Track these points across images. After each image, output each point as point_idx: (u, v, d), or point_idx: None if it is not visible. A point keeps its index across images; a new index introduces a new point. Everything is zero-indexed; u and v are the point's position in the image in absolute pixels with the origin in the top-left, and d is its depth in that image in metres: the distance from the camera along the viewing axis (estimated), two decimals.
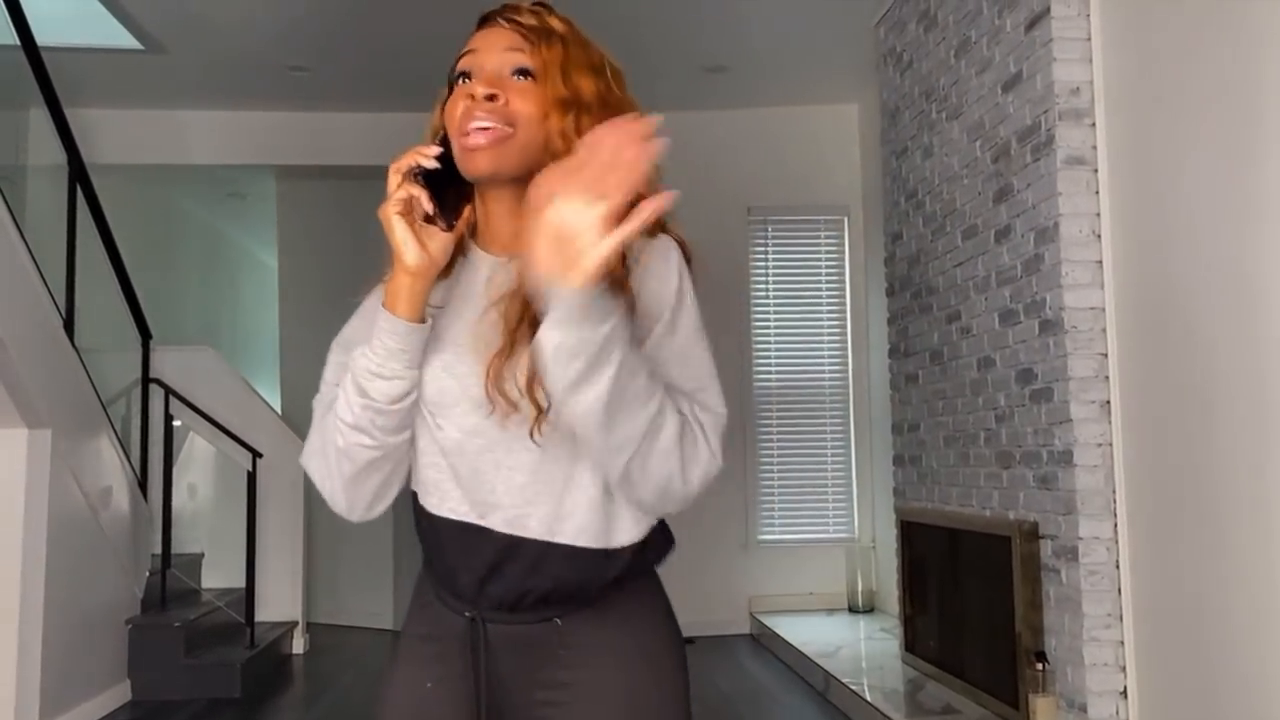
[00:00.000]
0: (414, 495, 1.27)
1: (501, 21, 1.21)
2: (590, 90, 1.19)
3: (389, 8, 4.84)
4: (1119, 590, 3.23)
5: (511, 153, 1.16)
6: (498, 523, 1.19)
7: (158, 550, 5.33)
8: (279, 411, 6.54)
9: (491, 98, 1.15)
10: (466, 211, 1.20)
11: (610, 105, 1.19)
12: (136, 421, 5.53)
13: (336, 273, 7.19)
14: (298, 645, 6.02)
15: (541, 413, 1.12)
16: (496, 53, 1.18)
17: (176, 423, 5.64)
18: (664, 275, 1.18)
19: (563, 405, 1.06)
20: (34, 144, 4.73)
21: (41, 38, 4.35)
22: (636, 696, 1.23)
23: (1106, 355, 3.28)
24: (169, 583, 5.25)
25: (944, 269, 4.24)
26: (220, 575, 5.82)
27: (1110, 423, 3.26)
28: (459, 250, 1.22)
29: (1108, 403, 3.27)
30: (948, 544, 4.20)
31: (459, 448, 1.19)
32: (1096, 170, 3.32)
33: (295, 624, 5.97)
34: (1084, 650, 3.22)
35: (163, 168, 6.44)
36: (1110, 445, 3.26)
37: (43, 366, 4.05)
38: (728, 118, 6.15)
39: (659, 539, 1.26)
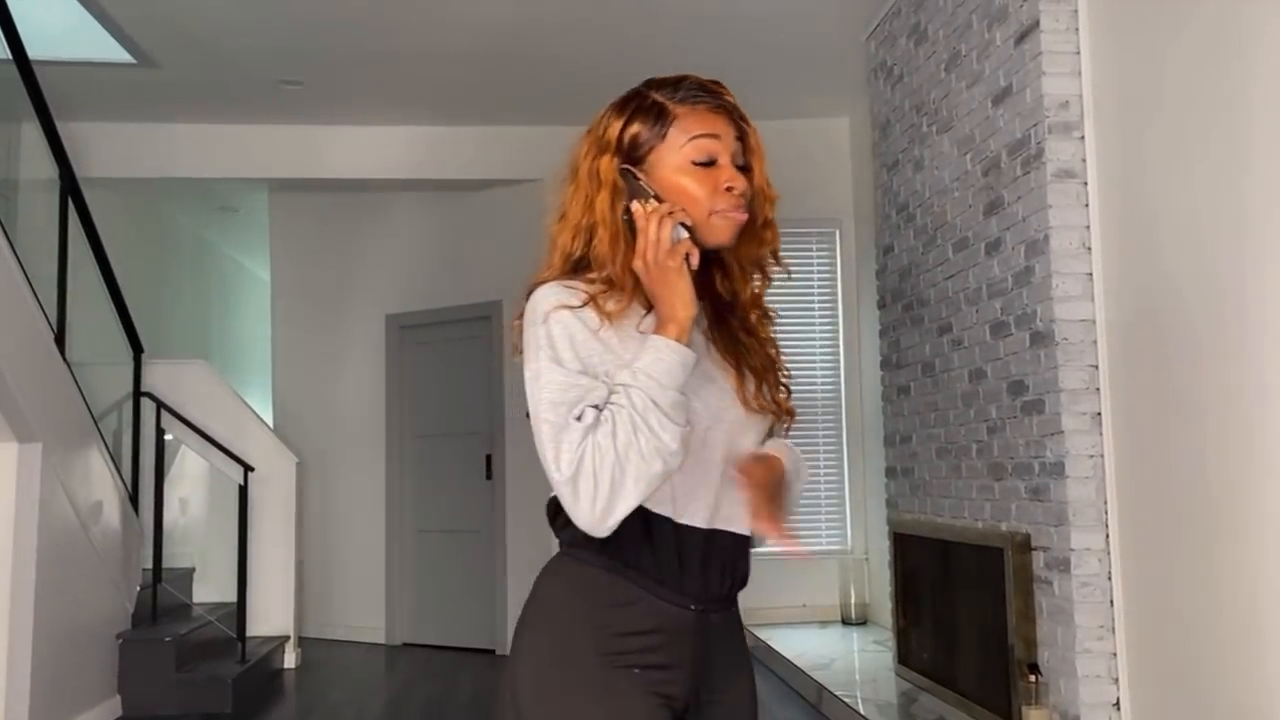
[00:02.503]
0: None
1: (724, 107, 1.43)
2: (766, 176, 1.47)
3: (380, 21, 4.85)
4: (1111, 602, 3.23)
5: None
6: (723, 523, 1.40)
7: (149, 564, 5.30)
8: (271, 425, 6.53)
9: (743, 191, 1.41)
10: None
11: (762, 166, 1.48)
12: (128, 435, 5.52)
13: (329, 286, 7.22)
14: (289, 660, 5.99)
15: (791, 416, 1.53)
16: (731, 142, 1.41)
17: (168, 436, 5.62)
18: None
19: None
20: (26, 158, 4.72)
21: (34, 52, 4.36)
22: (751, 685, 1.52)
23: (1097, 367, 3.29)
24: (160, 597, 5.23)
25: (935, 281, 4.25)
26: (211, 590, 5.80)
27: (1101, 434, 3.27)
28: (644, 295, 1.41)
29: (1099, 414, 3.28)
30: (940, 556, 4.20)
31: (709, 459, 1.39)
32: (1086, 183, 3.34)
33: (287, 638, 5.95)
34: (1076, 662, 3.23)
35: (155, 181, 6.44)
36: (1101, 457, 3.27)
37: (34, 380, 4.04)
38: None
39: None
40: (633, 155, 1.42)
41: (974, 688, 3.85)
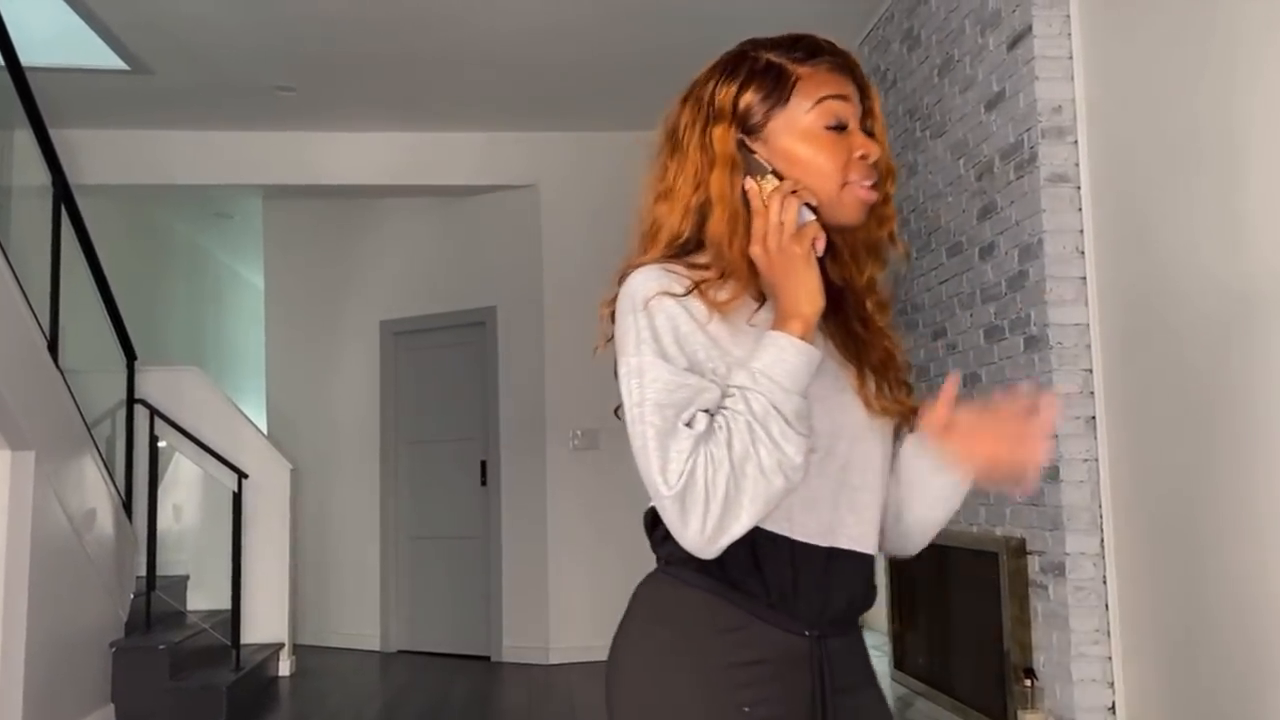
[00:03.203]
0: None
1: (848, 65, 1.27)
2: None
3: (374, 27, 4.85)
4: (1106, 606, 3.23)
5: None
6: (844, 540, 1.25)
7: (142, 572, 5.28)
8: (265, 432, 6.51)
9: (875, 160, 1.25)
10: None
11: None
12: (121, 442, 5.50)
13: (323, 292, 7.21)
14: (284, 667, 5.97)
15: (915, 414, 1.32)
16: (857, 106, 1.26)
17: (161, 443, 5.61)
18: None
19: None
20: (19, 165, 4.71)
21: (26, 58, 4.34)
22: (883, 701, 1.38)
23: (1091, 371, 3.30)
24: (154, 605, 5.20)
25: (929, 286, 4.25)
26: (206, 597, 5.78)
27: (1096, 438, 3.27)
28: (758, 285, 1.24)
29: (1093, 418, 3.28)
30: (936, 560, 4.20)
31: (820, 470, 1.22)
32: (1079, 187, 3.34)
33: (282, 646, 5.93)
34: (1072, 666, 3.22)
35: (149, 188, 6.43)
36: (1096, 461, 3.27)
37: (26, 387, 4.03)
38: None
39: None
40: (747, 124, 1.25)
41: (970, 692, 3.85)
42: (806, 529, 1.22)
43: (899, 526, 1.37)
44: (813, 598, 1.23)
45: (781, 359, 1.15)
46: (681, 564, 1.22)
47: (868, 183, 1.24)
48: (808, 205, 1.19)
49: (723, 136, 1.24)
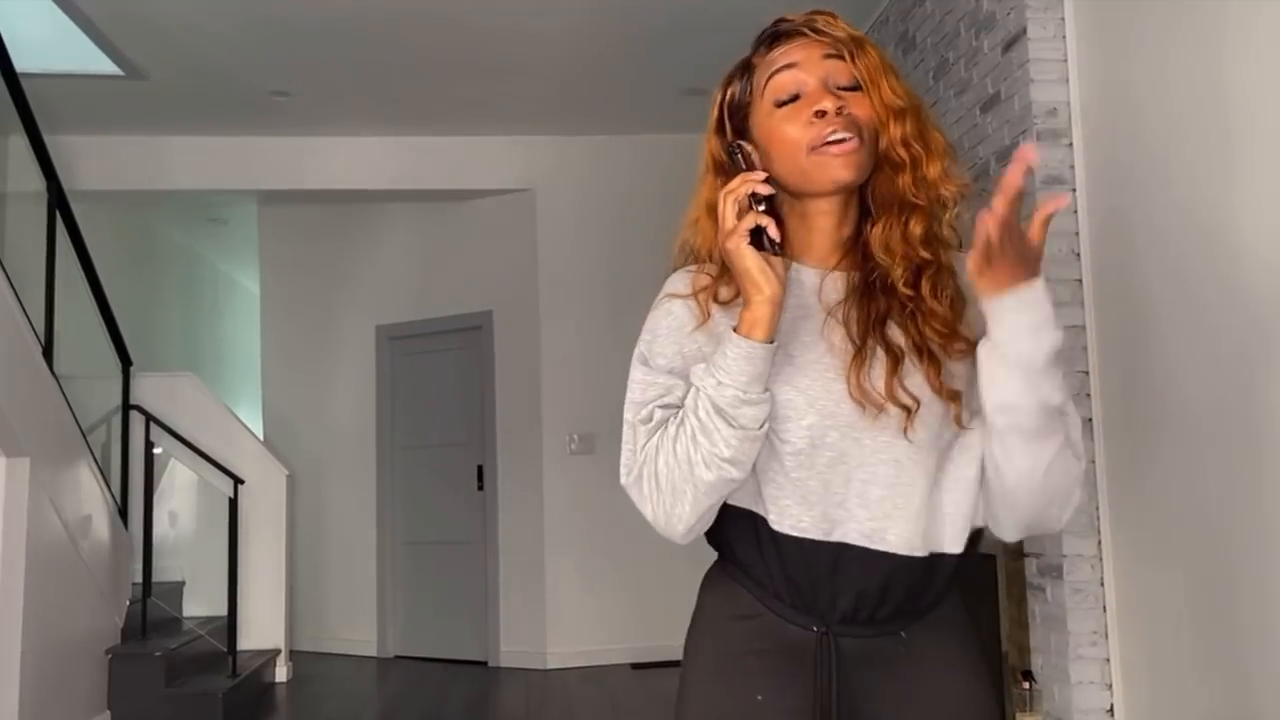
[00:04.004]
0: (739, 514, 1.27)
1: (808, 33, 1.23)
2: (904, 94, 1.22)
3: (369, 33, 4.85)
4: (1104, 608, 3.23)
5: (864, 161, 1.21)
6: (852, 536, 1.21)
7: (138, 578, 5.28)
8: (261, 437, 6.50)
9: (840, 110, 1.19)
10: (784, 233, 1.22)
11: (918, 103, 1.24)
12: (117, 449, 5.49)
13: (319, 297, 7.21)
14: (281, 674, 5.96)
15: (910, 413, 1.19)
16: (819, 65, 1.21)
17: (157, 449, 5.60)
18: None
19: (1042, 389, 1.15)
20: (13, 171, 4.71)
21: (21, 64, 4.34)
22: (977, 708, 1.28)
23: (1088, 373, 3.30)
24: (150, 611, 5.19)
25: None
26: (202, 603, 5.77)
27: (1092, 440, 3.27)
28: None
29: (1089, 420, 3.28)
30: None
31: (807, 462, 1.21)
32: (1075, 190, 3.35)
33: (278, 652, 5.92)
34: (1070, 669, 3.22)
35: (143, 194, 6.42)
36: (1092, 462, 3.27)
37: (21, 394, 4.02)
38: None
39: (971, 549, 1.30)
40: (738, 126, 1.28)
41: None
42: (799, 523, 1.22)
43: (1003, 490, 1.22)
44: (817, 593, 1.22)
45: (723, 354, 1.17)
46: (718, 552, 1.31)
47: (832, 138, 1.18)
48: (757, 195, 1.17)
49: (712, 144, 1.29)
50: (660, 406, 1.24)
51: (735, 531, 1.26)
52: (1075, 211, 3.35)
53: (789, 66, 1.22)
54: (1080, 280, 3.32)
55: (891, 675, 1.24)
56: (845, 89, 1.21)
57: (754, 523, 1.24)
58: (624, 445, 1.26)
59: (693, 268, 1.29)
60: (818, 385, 1.21)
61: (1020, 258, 1.13)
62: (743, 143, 1.25)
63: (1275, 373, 2.50)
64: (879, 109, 1.21)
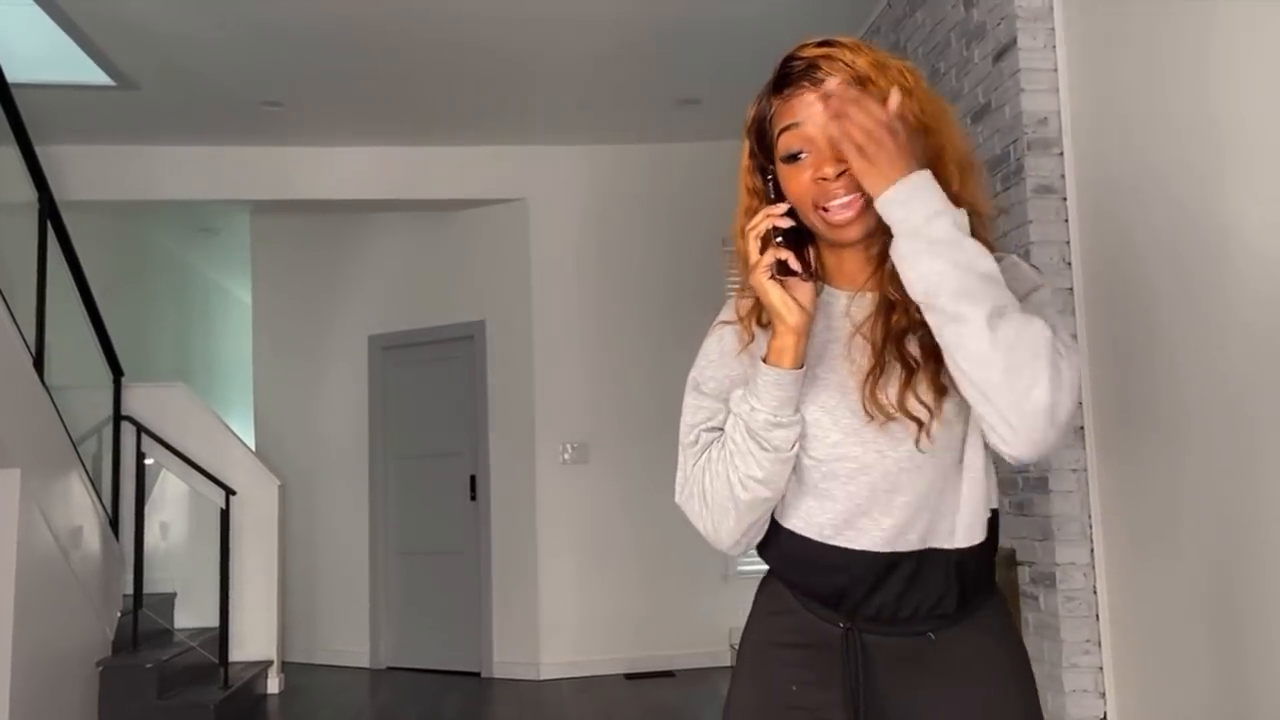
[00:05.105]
0: (774, 522, 1.35)
1: (809, 85, 1.24)
2: (920, 112, 1.26)
3: (361, 43, 4.85)
4: (1096, 616, 3.24)
5: (872, 213, 1.21)
6: (875, 542, 1.27)
7: (129, 590, 5.25)
8: (252, 448, 6.48)
9: (841, 173, 1.21)
10: (813, 257, 1.27)
11: (926, 112, 1.27)
12: (108, 459, 5.47)
13: (311, 308, 7.20)
14: (273, 685, 5.93)
15: (921, 425, 1.23)
16: (817, 120, 1.22)
17: (148, 460, 5.58)
18: (1019, 276, 1.30)
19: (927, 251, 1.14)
20: (4, 181, 4.70)
21: (12, 74, 4.34)
22: (1008, 710, 1.32)
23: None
24: (141, 623, 5.17)
25: None
26: (193, 615, 5.74)
27: (1084, 448, 3.28)
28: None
29: (1081, 428, 3.29)
30: None
31: (832, 474, 1.28)
32: (1065, 198, 3.36)
33: (270, 663, 5.89)
34: (1063, 677, 3.22)
35: (135, 204, 6.41)
36: (1084, 470, 3.27)
37: (12, 405, 4.00)
38: (701, 150, 6.19)
39: (996, 548, 1.34)
40: (766, 152, 1.30)
41: None
42: (823, 529, 1.30)
43: (971, 383, 1.15)
44: (842, 595, 1.29)
45: (755, 380, 1.25)
46: (760, 556, 1.39)
47: (831, 203, 1.23)
48: (778, 228, 1.23)
49: (744, 175, 1.33)
50: (706, 430, 1.33)
51: (771, 537, 1.35)
52: (1066, 220, 3.36)
53: (792, 127, 1.25)
54: (1071, 289, 3.34)
55: (921, 676, 1.29)
56: None
57: (784, 530, 1.33)
58: (678, 466, 1.36)
59: (739, 291, 1.36)
60: (842, 404, 1.27)
61: (900, 152, 1.15)
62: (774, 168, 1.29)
63: (1267, 380, 2.51)
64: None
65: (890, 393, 1.24)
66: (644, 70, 5.27)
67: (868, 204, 1.20)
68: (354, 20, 4.62)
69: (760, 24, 4.73)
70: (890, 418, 1.24)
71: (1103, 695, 3.22)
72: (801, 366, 1.23)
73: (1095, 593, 3.24)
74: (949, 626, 1.30)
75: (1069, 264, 3.34)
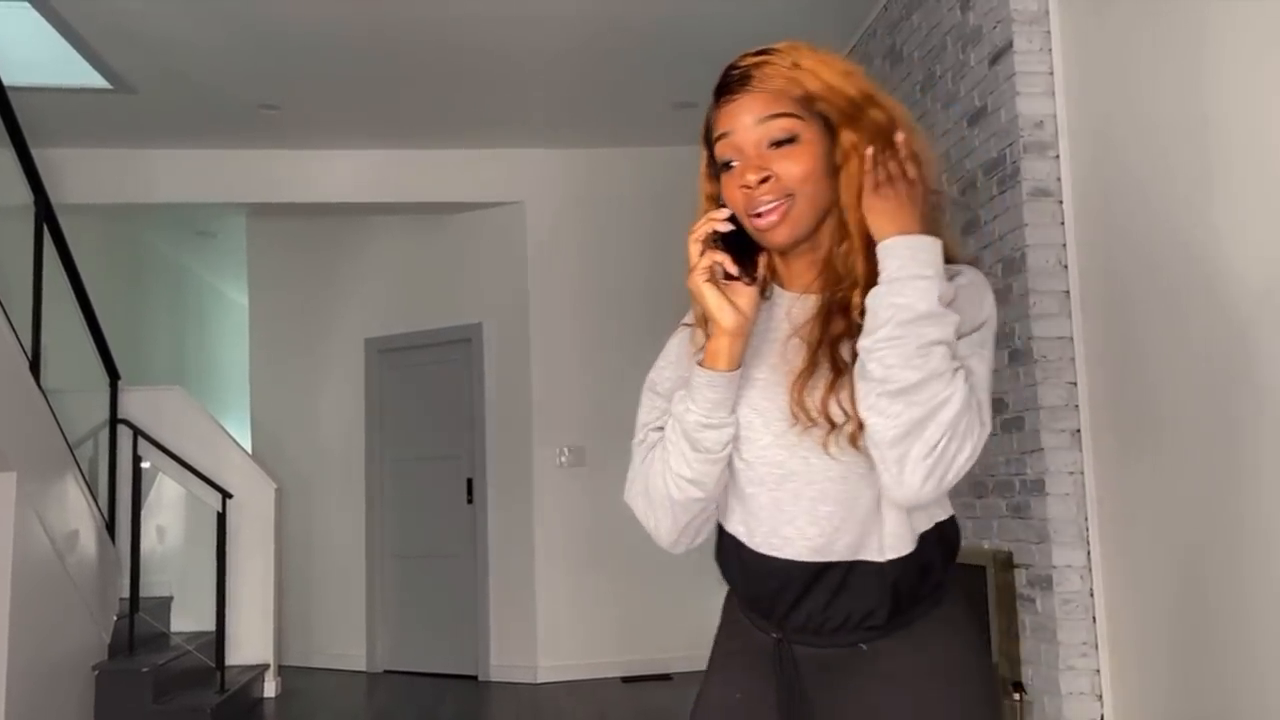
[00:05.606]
0: (719, 528, 1.37)
1: (739, 93, 1.25)
2: (851, 119, 1.24)
3: (358, 46, 4.85)
4: (1094, 618, 3.24)
5: (802, 216, 1.24)
6: (801, 551, 1.26)
7: (125, 594, 5.24)
8: (249, 451, 6.48)
9: (764, 179, 1.23)
10: (763, 261, 1.28)
11: (871, 107, 1.23)
12: (104, 463, 5.46)
13: (307, 311, 7.20)
14: (269, 689, 5.92)
15: (833, 428, 1.21)
16: (750, 130, 1.23)
17: (145, 464, 5.57)
18: (977, 302, 1.25)
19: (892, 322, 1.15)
20: (1, 184, 4.69)
21: (9, 78, 4.33)
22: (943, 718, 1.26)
23: (1075, 384, 3.31)
24: (137, 627, 5.16)
25: None
26: (190, 618, 5.73)
27: (1081, 451, 3.28)
28: (761, 293, 1.30)
29: (1078, 431, 3.29)
30: None
31: (759, 479, 1.28)
32: (1062, 201, 3.36)
33: (267, 667, 5.88)
34: (1060, 680, 3.22)
35: (131, 207, 6.40)
36: (1081, 473, 3.28)
37: (8, 408, 4.00)
38: (697, 153, 6.18)
39: (946, 559, 1.31)
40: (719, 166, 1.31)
41: None
42: (754, 537, 1.30)
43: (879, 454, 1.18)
44: (772, 603, 1.30)
45: (691, 381, 1.26)
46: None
47: (759, 210, 1.23)
48: (717, 233, 1.24)
49: (701, 183, 1.35)
50: (654, 429, 1.34)
51: (720, 541, 1.37)
52: (1062, 223, 3.36)
53: (724, 136, 1.26)
54: (1068, 292, 3.34)
55: (853, 686, 1.27)
56: (783, 142, 1.23)
57: (723, 537, 1.35)
58: (630, 464, 1.37)
59: None
60: (773, 407, 1.27)
61: (909, 199, 1.18)
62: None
63: (1261, 384, 2.51)
64: (816, 159, 1.23)
65: (816, 396, 1.22)
66: (641, 74, 5.28)
67: (790, 210, 1.23)
68: (350, 23, 4.63)
69: (756, 28, 4.73)
70: (813, 421, 1.22)
71: (1100, 698, 3.22)
72: (737, 369, 1.24)
73: (1092, 595, 3.24)
74: (881, 638, 1.27)
75: (1065, 267, 3.35)
